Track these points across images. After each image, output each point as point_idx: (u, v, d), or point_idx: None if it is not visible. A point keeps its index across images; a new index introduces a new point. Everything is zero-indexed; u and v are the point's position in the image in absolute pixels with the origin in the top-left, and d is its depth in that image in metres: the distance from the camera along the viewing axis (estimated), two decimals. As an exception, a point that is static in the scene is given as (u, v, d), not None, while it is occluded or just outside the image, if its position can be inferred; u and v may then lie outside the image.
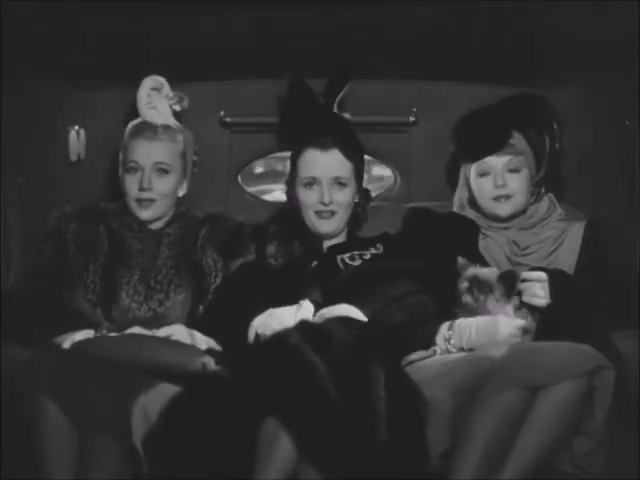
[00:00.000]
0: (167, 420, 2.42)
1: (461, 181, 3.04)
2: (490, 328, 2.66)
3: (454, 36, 2.95)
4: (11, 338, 2.62)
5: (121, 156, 2.93)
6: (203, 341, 2.69)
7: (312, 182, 2.89)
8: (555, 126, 3.03)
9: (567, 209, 3.01)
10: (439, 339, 2.70)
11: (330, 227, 2.91)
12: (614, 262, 2.90)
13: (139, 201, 2.88)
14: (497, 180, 2.93)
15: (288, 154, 3.04)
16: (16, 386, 2.46)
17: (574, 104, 3.18)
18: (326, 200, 2.87)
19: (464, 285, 2.74)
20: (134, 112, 2.96)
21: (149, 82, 2.95)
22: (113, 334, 2.66)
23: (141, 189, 2.86)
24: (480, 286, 2.72)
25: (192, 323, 2.78)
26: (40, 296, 2.77)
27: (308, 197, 2.89)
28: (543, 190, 2.99)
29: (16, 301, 2.75)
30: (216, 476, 2.35)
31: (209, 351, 2.62)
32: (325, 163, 2.88)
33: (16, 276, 2.90)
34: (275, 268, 2.87)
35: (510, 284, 2.71)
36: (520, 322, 2.68)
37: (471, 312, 2.72)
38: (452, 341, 2.68)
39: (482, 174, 2.95)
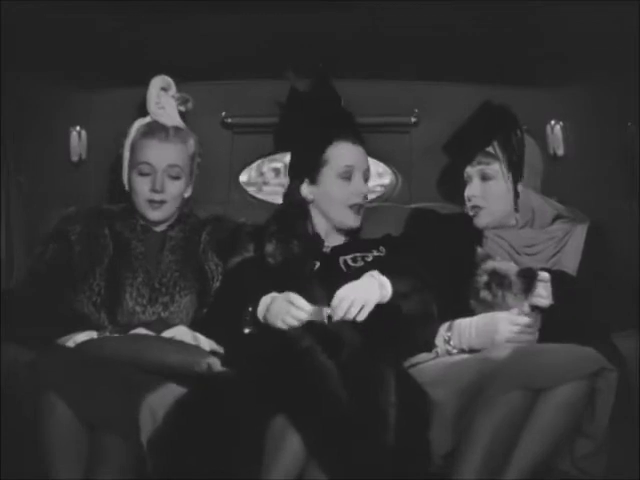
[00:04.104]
0: (173, 420, 2.42)
1: None
2: (489, 328, 2.64)
3: (455, 36, 2.94)
4: (12, 338, 2.61)
5: (127, 154, 2.90)
6: (206, 343, 2.68)
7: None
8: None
9: (570, 210, 3.00)
10: (438, 340, 2.70)
11: None
12: (616, 264, 2.89)
13: (151, 202, 2.86)
14: (469, 189, 2.92)
15: (288, 155, 3.06)
16: (23, 385, 2.44)
17: (575, 105, 3.18)
18: None
19: (483, 279, 2.69)
20: (143, 110, 2.93)
21: (158, 82, 2.92)
22: (116, 335, 2.67)
23: (153, 190, 2.84)
24: (499, 280, 2.66)
25: (196, 327, 2.77)
26: (42, 297, 2.77)
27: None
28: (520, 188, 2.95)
29: (18, 301, 2.74)
30: (223, 477, 2.34)
31: (212, 353, 2.61)
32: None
33: (18, 276, 2.89)
34: (274, 267, 2.86)
35: (529, 280, 2.65)
36: (521, 319, 2.64)
37: (489, 308, 2.67)
38: (452, 342, 2.68)
39: (466, 181, 2.95)
